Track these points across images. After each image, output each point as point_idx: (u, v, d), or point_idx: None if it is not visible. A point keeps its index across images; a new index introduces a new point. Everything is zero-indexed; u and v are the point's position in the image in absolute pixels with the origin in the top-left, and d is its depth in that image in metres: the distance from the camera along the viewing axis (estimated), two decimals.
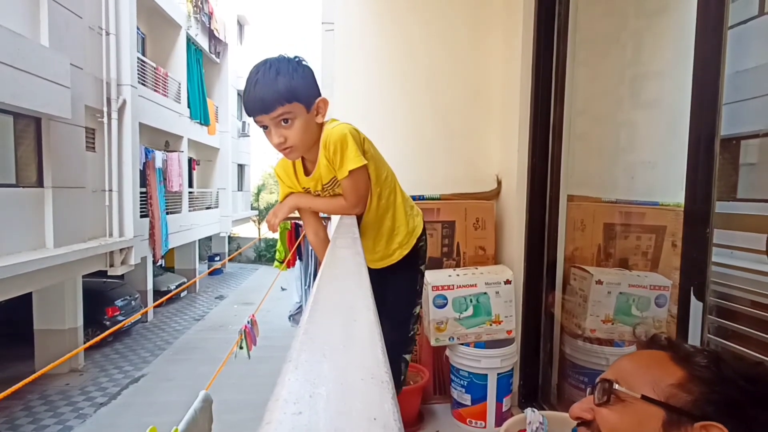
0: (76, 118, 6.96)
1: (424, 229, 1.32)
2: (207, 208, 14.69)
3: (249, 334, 4.13)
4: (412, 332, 1.32)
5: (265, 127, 1.05)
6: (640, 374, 0.59)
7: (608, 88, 1.73)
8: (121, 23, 8.39)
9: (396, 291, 1.30)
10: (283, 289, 14.21)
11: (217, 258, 17.57)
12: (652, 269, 1.50)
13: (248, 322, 4.21)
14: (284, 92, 0.99)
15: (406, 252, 1.25)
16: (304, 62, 1.06)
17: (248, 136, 19.18)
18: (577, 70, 1.70)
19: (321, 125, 1.08)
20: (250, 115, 1.04)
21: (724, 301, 1.18)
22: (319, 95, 1.07)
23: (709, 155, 0.96)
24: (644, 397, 0.56)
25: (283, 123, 1.02)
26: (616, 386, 0.59)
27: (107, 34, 8.11)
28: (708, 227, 0.98)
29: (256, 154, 21.61)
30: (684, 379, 0.56)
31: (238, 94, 18.15)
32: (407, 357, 1.33)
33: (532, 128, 1.79)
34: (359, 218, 1.21)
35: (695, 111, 1.00)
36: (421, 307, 1.37)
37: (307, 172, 1.15)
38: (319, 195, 1.17)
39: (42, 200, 6.54)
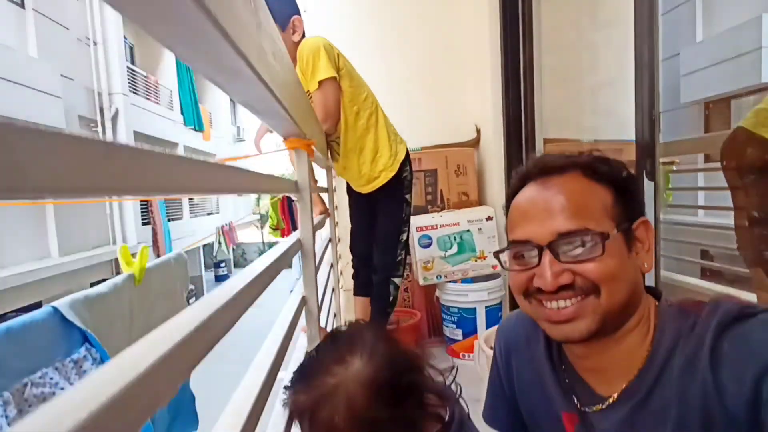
0: (70, 129, 7.02)
1: (408, 159, 1.38)
2: (208, 215, 14.76)
3: (227, 233, 4.25)
4: (400, 257, 1.40)
5: None
6: (588, 209, 0.53)
7: (575, 18, 1.78)
8: (108, 33, 8.47)
9: (383, 218, 1.38)
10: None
11: (223, 265, 17.60)
12: None
13: (227, 225, 4.29)
14: None
15: (391, 175, 1.32)
16: None
17: (243, 140, 19.22)
18: (543, 5, 1.75)
19: (297, 44, 1.12)
20: None
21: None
22: (295, 13, 1.11)
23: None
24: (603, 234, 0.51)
25: None
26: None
27: (95, 44, 8.19)
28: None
29: (252, 159, 21.65)
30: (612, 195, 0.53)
31: (231, 100, 18.16)
32: (396, 281, 1.41)
33: (504, 71, 1.83)
34: (340, 144, 1.26)
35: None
36: (408, 235, 1.44)
37: None
38: None
39: (44, 211, 6.63)
